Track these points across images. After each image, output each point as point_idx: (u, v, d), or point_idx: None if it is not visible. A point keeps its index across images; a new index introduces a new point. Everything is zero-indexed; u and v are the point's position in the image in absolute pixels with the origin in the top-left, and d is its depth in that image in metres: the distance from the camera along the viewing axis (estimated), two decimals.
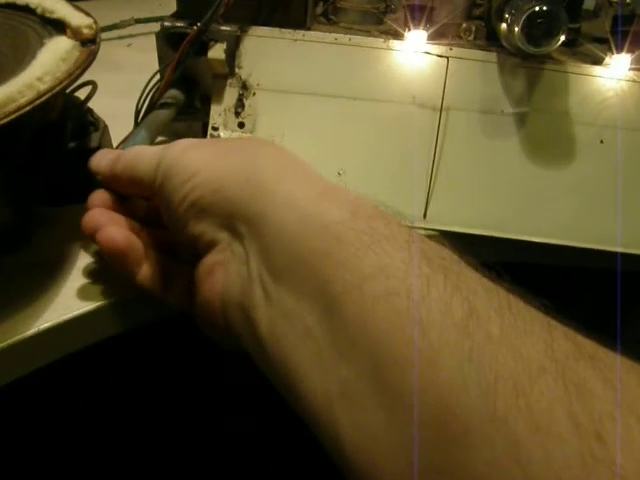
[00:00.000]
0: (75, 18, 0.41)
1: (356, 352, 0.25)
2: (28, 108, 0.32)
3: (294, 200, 0.30)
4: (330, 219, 0.28)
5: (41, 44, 0.39)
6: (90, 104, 0.47)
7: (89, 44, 0.40)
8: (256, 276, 0.30)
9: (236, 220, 0.31)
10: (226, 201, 0.32)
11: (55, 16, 0.42)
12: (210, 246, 0.33)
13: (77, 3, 0.94)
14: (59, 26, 0.42)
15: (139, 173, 0.37)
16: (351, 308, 0.25)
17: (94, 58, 0.39)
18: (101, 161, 0.40)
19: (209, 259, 0.33)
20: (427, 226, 0.51)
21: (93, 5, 0.95)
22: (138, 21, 0.82)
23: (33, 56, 0.38)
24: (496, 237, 0.51)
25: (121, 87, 0.69)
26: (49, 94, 0.33)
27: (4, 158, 0.37)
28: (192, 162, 0.34)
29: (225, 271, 0.32)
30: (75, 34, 0.40)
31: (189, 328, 0.38)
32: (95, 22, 0.42)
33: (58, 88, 0.34)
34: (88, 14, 0.43)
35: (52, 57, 0.36)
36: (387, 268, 0.26)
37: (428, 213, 0.51)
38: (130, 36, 0.84)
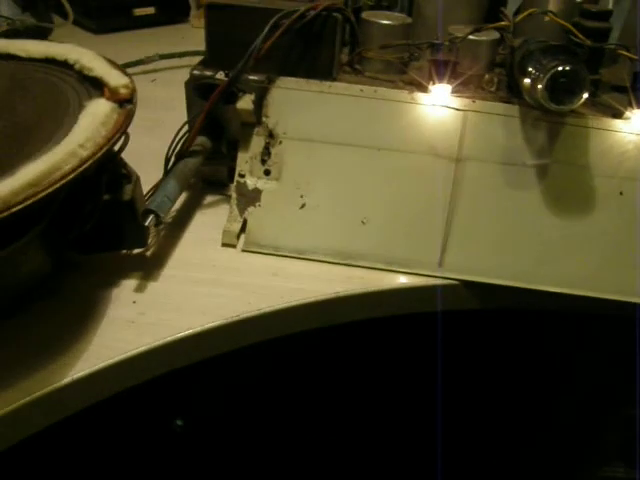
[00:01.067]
0: (112, 77, 0.42)
1: None
2: (72, 176, 0.33)
3: None
4: None
5: (80, 104, 0.40)
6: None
7: (126, 104, 0.41)
8: None
9: None
10: None
11: (93, 74, 0.43)
12: None
13: (101, 37, 0.97)
14: (96, 83, 0.44)
15: None
16: None
17: (132, 119, 0.40)
18: None
19: None
20: (443, 274, 0.52)
21: (117, 39, 0.99)
22: (162, 57, 0.84)
23: (71, 116, 0.39)
24: (516, 287, 0.52)
25: (146, 124, 0.70)
26: (91, 161, 0.35)
27: (42, 215, 0.39)
28: None
29: None
30: (112, 94, 0.41)
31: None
32: (131, 81, 0.43)
33: (99, 154, 0.35)
34: (124, 72, 0.44)
35: (92, 122, 0.37)
36: None
37: (445, 261, 0.52)
38: (154, 71, 0.86)
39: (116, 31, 0.99)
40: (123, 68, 0.45)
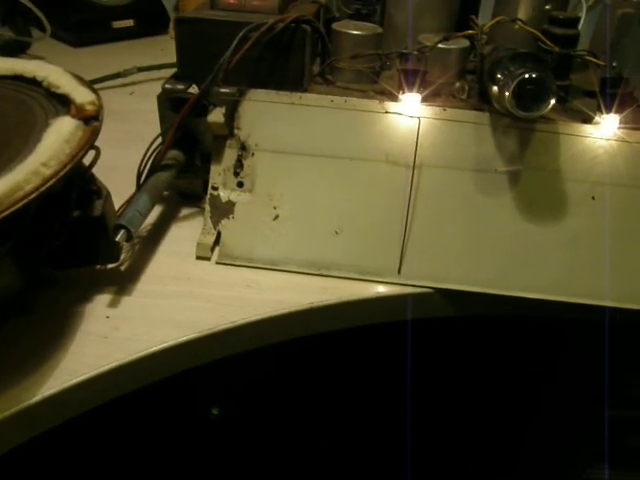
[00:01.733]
0: (79, 94, 0.42)
1: None
2: (34, 195, 0.33)
3: None
4: None
5: (46, 122, 0.40)
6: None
7: (92, 121, 0.41)
8: None
9: None
10: None
11: (60, 91, 0.43)
12: None
13: (80, 50, 0.97)
14: (64, 100, 0.44)
15: None
16: None
17: (97, 136, 0.40)
18: None
19: None
20: (400, 281, 0.52)
21: (96, 52, 0.99)
22: (141, 69, 0.84)
23: (38, 135, 0.39)
24: (487, 293, 0.52)
25: (123, 137, 0.71)
26: (54, 179, 0.35)
27: (10, 233, 0.39)
28: None
29: None
30: (78, 111, 0.41)
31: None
32: (98, 97, 0.43)
33: (62, 172, 0.35)
34: (92, 89, 0.44)
35: (56, 140, 0.37)
36: None
37: (403, 269, 0.53)
38: (133, 84, 0.86)
39: (95, 44, 0.99)
40: (91, 85, 0.45)
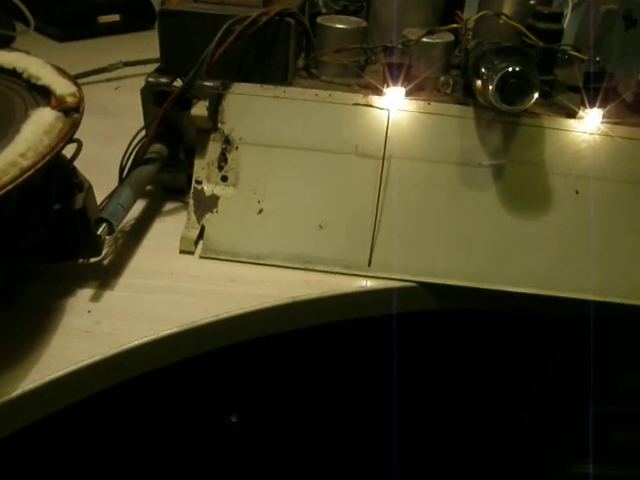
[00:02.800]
0: (59, 86, 0.42)
1: None
2: (11, 186, 0.33)
3: None
4: None
5: (26, 114, 0.40)
6: None
7: (72, 112, 0.41)
8: None
9: None
10: None
11: (40, 83, 0.43)
12: None
13: (65, 44, 0.97)
14: (44, 92, 0.43)
15: None
16: None
17: (77, 128, 0.40)
18: None
19: None
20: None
21: (82, 47, 0.98)
22: (126, 64, 0.83)
23: (17, 126, 0.39)
24: (470, 287, 0.52)
25: (108, 132, 0.70)
26: (32, 170, 0.34)
27: None
28: None
29: None
30: (59, 102, 0.41)
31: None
32: (79, 89, 0.43)
33: (41, 164, 0.35)
34: (73, 80, 0.44)
35: (35, 131, 0.37)
36: None
37: (374, 261, 0.52)
38: (118, 79, 0.85)
39: (81, 39, 0.98)
40: (73, 77, 0.45)
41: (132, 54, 0.88)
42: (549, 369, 0.71)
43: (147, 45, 0.95)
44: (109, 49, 0.95)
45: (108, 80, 0.85)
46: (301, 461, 0.82)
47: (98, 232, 0.45)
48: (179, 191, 0.60)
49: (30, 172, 0.34)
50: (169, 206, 0.60)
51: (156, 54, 0.84)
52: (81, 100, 0.42)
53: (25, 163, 0.35)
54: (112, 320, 0.46)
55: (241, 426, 0.77)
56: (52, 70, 0.45)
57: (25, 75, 0.45)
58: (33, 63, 0.45)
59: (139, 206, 0.59)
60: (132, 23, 1.01)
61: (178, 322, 0.46)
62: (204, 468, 0.78)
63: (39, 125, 0.37)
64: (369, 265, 0.52)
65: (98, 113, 0.77)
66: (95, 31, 0.99)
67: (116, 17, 0.99)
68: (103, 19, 0.98)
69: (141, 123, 0.57)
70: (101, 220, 0.46)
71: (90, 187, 0.47)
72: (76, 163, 0.49)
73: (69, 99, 0.41)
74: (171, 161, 0.57)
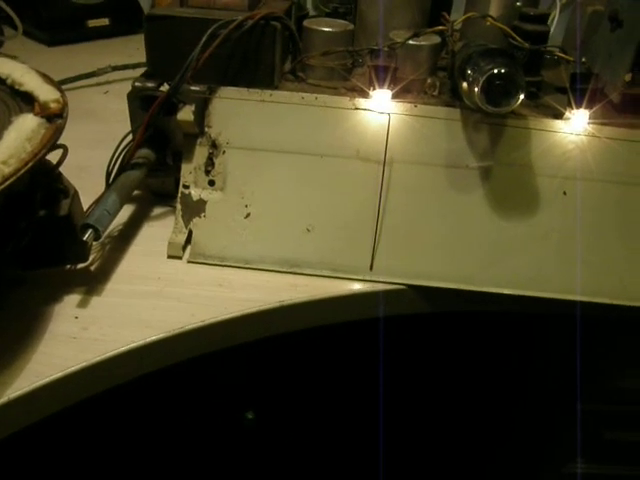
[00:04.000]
0: (43, 92, 0.42)
1: None
2: None
3: None
4: None
5: (9, 120, 0.40)
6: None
7: (56, 118, 0.41)
8: None
9: None
10: None
11: (24, 89, 0.43)
12: None
13: (54, 49, 0.96)
14: (28, 97, 0.43)
15: None
16: None
17: (60, 134, 0.40)
18: None
19: None
20: (372, 278, 0.52)
21: (71, 51, 0.98)
22: (115, 68, 0.83)
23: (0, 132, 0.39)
24: (460, 289, 0.52)
25: (96, 137, 0.70)
26: (14, 177, 0.34)
27: None
28: None
29: None
30: (42, 109, 0.41)
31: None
32: (63, 95, 0.42)
33: (23, 170, 0.35)
34: (57, 86, 0.44)
35: (18, 138, 0.37)
36: None
37: (375, 265, 0.52)
38: (107, 83, 0.85)
39: (70, 43, 0.98)
40: (57, 83, 0.45)
41: (122, 58, 0.88)
42: (540, 369, 0.71)
43: (137, 49, 0.95)
44: (98, 53, 0.95)
45: (97, 84, 0.85)
46: (296, 462, 0.82)
47: (84, 238, 0.45)
48: (167, 196, 0.60)
49: (12, 179, 0.34)
50: (157, 211, 0.59)
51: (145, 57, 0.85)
52: (65, 106, 0.42)
53: (7, 170, 0.34)
54: (99, 326, 0.46)
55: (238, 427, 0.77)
56: (36, 76, 0.44)
57: (9, 81, 0.45)
58: (17, 69, 0.45)
59: (127, 211, 0.59)
60: (122, 27, 1.01)
61: (165, 328, 0.46)
62: (204, 467, 0.78)
63: (21, 132, 0.37)
64: (371, 269, 0.52)
65: (87, 118, 0.77)
66: (84, 35, 0.99)
67: (105, 21, 0.99)
68: (92, 23, 0.98)
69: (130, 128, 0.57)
70: (87, 226, 0.45)
71: (76, 193, 0.46)
72: (64, 169, 0.49)
73: (53, 105, 0.41)
74: (159, 166, 0.57)
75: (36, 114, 0.40)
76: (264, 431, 0.76)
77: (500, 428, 0.79)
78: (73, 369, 0.43)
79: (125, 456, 0.70)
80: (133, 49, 0.95)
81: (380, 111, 0.51)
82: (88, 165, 0.60)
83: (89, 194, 0.52)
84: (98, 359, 0.43)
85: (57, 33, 0.96)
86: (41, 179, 0.43)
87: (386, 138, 0.51)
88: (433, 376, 0.75)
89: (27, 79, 0.44)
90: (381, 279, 0.52)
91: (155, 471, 0.74)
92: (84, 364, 0.43)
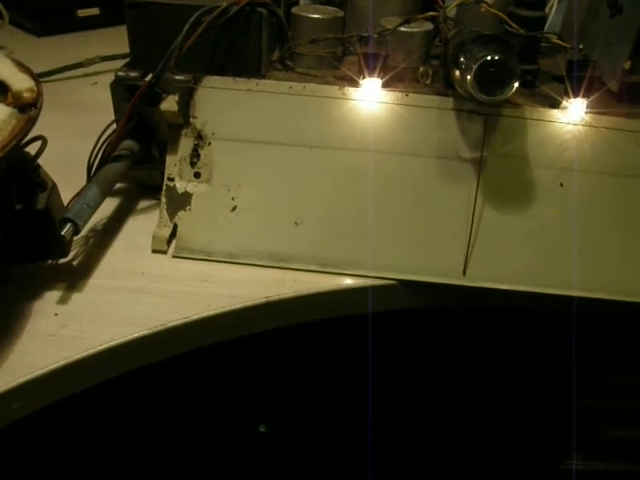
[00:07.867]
0: (17, 81, 0.40)
1: None
2: None
3: None
4: None
5: None
6: (51, 147, 0.46)
7: (30, 108, 0.39)
8: None
9: None
10: None
11: None
12: None
13: (44, 39, 0.95)
14: (1, 87, 0.42)
15: None
16: None
17: (33, 125, 0.38)
18: None
19: None
20: (362, 273, 0.51)
21: (61, 41, 0.96)
22: (104, 59, 0.82)
23: None
24: (452, 284, 0.51)
25: (83, 129, 0.68)
26: None
27: None
28: None
29: None
30: (15, 98, 0.39)
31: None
32: (38, 84, 0.41)
33: None
34: (33, 75, 0.42)
35: None
36: None
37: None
38: (96, 73, 0.83)
39: (59, 33, 0.96)
40: (32, 71, 0.43)
41: (112, 48, 0.86)
42: (539, 364, 0.70)
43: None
44: (88, 43, 0.93)
45: (86, 75, 0.83)
46: (287, 459, 0.81)
47: (62, 233, 0.44)
48: (154, 188, 0.58)
49: None
50: (143, 204, 0.58)
51: None
52: (39, 96, 0.40)
53: None
54: (79, 323, 0.45)
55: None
56: (11, 64, 0.43)
57: None
58: None
59: (112, 204, 0.57)
60: (112, 17, 0.99)
61: (147, 325, 0.45)
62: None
63: None
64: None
65: (74, 109, 0.75)
66: (74, 25, 0.97)
67: (95, 10, 0.97)
68: (82, 13, 0.96)
69: None
70: (65, 220, 0.44)
71: (54, 186, 0.45)
72: (48, 161, 0.47)
73: (26, 94, 0.40)
74: (145, 158, 0.55)
75: (9, 104, 0.39)
76: (252, 427, 0.75)
77: (496, 424, 0.77)
78: (51, 368, 0.41)
79: (116, 459, 0.69)
80: (124, 39, 0.93)
81: (370, 100, 0.50)
82: (73, 158, 0.58)
83: (73, 187, 0.50)
84: (77, 357, 0.42)
85: (46, 23, 0.94)
86: (17, 172, 0.42)
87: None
88: (429, 373, 0.74)
89: (1, 67, 0.42)
90: (371, 274, 0.50)
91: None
92: (62, 362, 0.42)
